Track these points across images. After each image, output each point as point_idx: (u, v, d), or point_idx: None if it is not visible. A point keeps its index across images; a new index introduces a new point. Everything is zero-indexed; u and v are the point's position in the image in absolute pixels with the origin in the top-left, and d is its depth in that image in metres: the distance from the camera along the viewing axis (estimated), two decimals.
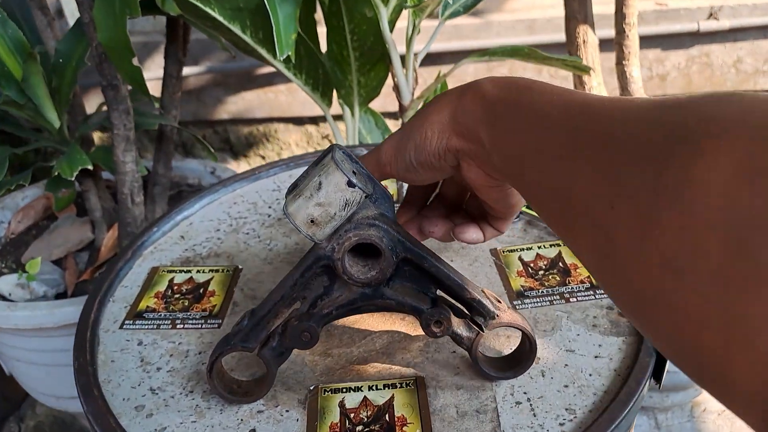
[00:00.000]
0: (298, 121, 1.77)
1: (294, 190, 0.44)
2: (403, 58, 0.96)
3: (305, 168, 0.78)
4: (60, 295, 1.07)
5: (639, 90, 0.99)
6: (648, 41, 1.54)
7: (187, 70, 1.54)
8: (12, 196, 1.20)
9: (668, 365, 0.53)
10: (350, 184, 0.41)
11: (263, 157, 1.85)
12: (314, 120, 1.76)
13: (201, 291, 0.62)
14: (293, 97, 1.68)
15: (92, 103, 1.56)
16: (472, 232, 0.49)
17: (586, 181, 0.30)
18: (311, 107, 1.68)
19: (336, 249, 0.44)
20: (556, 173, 0.33)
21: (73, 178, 0.87)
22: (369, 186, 0.44)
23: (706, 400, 1.28)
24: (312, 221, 0.43)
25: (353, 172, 0.43)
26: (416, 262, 0.46)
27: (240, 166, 1.85)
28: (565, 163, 0.32)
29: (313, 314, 0.47)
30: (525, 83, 0.39)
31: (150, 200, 1.07)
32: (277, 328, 0.47)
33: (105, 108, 0.99)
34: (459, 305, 0.48)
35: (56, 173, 0.89)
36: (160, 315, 0.59)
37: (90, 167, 0.88)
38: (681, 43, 1.57)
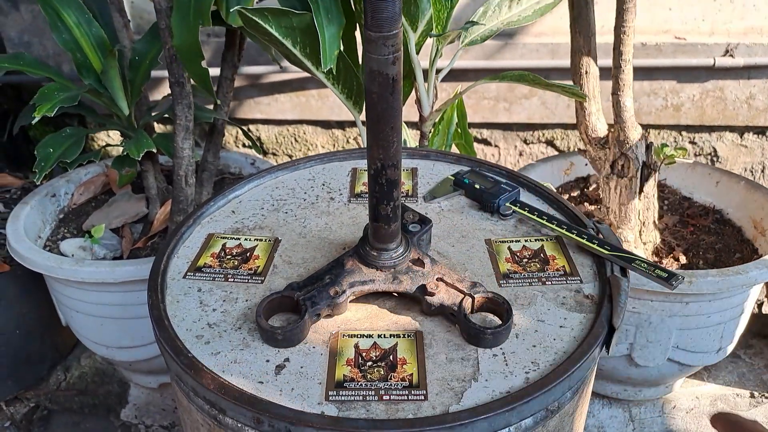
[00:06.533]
0: (326, 124, 1.86)
1: None
2: (426, 74, 1.10)
3: (338, 162, 0.95)
4: (116, 259, 1.21)
5: (630, 117, 1.12)
6: (664, 72, 1.59)
7: None
8: (76, 171, 1.36)
9: (615, 337, 0.66)
10: None
11: (290, 156, 1.93)
12: (341, 124, 1.85)
13: (248, 255, 0.76)
14: (323, 102, 1.77)
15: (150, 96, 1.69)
16: None
17: None
18: (339, 112, 1.78)
19: None
20: None
21: (139, 158, 1.02)
22: None
23: (677, 398, 1.38)
24: None
25: None
26: None
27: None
28: None
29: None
30: None
31: (198, 184, 1.21)
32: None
33: (166, 100, 1.14)
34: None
35: (124, 153, 1.04)
36: (215, 270, 0.74)
37: (154, 150, 1.03)
38: (697, 76, 1.59)
